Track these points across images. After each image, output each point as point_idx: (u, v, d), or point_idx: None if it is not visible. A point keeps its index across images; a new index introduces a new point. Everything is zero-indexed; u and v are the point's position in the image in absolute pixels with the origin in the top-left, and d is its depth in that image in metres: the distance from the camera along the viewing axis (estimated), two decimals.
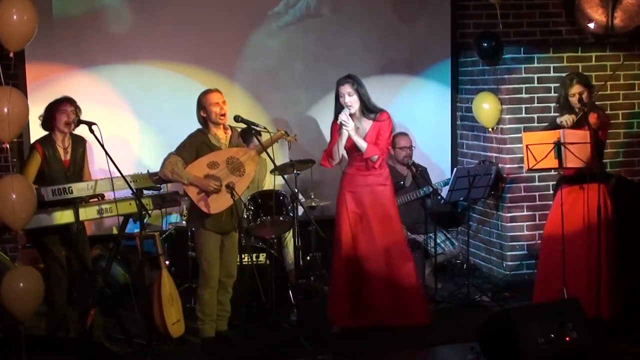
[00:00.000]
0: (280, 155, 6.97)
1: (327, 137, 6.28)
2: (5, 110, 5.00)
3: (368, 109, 5.90)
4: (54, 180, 5.52)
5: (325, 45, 7.64)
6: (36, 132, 5.86)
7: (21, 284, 5.10)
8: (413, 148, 7.18)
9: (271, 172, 6.34)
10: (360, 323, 5.95)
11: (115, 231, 6.77)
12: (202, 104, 5.69)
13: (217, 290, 5.77)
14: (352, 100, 5.85)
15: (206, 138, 5.69)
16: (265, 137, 5.77)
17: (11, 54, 5.03)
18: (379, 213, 5.96)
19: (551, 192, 6.97)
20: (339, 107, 5.91)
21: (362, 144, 5.87)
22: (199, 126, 5.76)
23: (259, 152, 5.77)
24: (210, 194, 5.58)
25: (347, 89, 5.85)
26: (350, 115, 5.85)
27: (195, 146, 5.66)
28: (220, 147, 5.71)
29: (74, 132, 5.73)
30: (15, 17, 4.96)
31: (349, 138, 5.87)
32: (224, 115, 5.68)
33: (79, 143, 5.77)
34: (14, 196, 4.85)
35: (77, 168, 5.73)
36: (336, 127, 5.92)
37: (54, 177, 5.55)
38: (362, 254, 5.93)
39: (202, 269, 5.73)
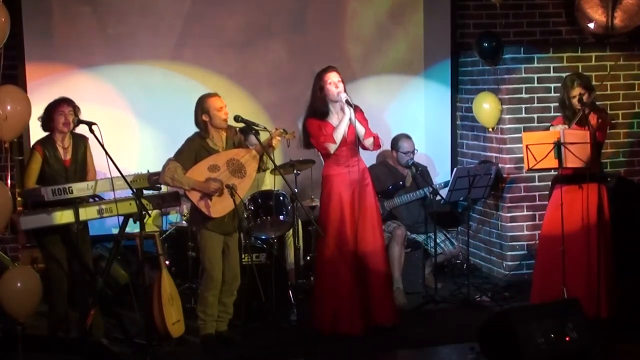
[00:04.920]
0: (279, 155, 6.97)
1: None
2: (9, 108, 5.02)
3: (348, 101, 5.84)
4: (55, 180, 5.52)
5: (324, 46, 7.63)
6: (36, 132, 5.85)
7: (19, 284, 5.11)
8: (416, 151, 7.15)
9: (271, 172, 6.34)
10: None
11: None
12: (206, 109, 5.65)
13: (221, 292, 5.77)
14: (342, 87, 5.82)
15: (204, 142, 5.68)
16: (264, 136, 5.75)
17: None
18: (368, 211, 5.92)
19: None
20: (318, 99, 5.85)
21: (361, 128, 5.83)
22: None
23: (260, 152, 5.76)
24: (213, 197, 5.58)
25: (337, 76, 5.83)
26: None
27: (194, 151, 5.65)
28: (218, 150, 5.70)
29: (74, 131, 5.73)
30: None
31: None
32: (226, 119, 5.68)
33: (80, 141, 5.76)
34: None
35: (79, 167, 5.73)
36: (316, 124, 5.85)
37: (55, 177, 5.56)
38: (361, 254, 5.91)
39: (206, 270, 5.71)
